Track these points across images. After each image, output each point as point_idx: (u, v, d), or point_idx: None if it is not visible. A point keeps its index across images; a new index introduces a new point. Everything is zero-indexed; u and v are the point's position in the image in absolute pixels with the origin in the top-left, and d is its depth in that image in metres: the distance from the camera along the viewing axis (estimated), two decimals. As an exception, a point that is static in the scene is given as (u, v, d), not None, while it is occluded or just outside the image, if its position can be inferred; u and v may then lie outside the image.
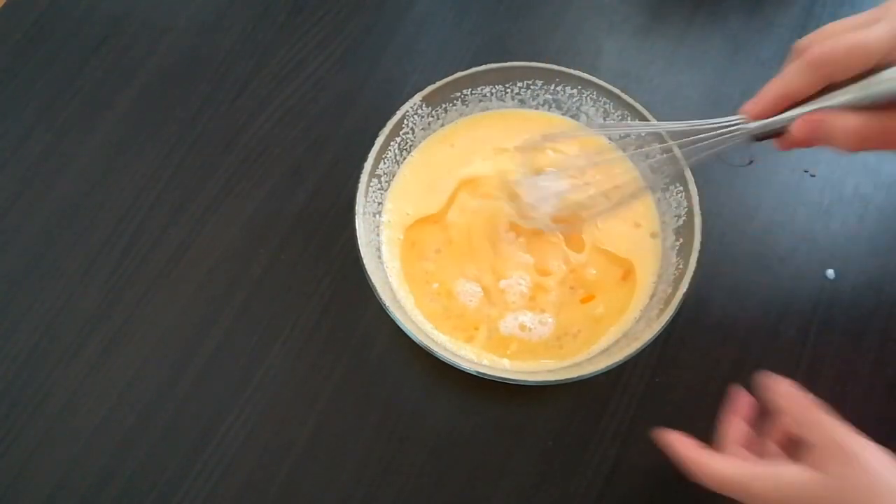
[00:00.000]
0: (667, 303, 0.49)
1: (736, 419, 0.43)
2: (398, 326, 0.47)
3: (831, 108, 0.36)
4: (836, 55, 0.35)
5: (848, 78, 0.35)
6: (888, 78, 0.34)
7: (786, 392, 0.40)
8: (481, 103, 0.58)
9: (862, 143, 0.35)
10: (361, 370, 0.53)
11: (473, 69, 0.56)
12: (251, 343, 0.53)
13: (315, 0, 0.67)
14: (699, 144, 0.42)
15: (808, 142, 0.36)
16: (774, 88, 0.37)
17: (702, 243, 0.49)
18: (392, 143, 0.55)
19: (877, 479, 0.34)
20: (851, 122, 0.35)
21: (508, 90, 0.58)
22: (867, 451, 0.36)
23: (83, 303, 0.55)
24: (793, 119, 0.37)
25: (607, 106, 0.56)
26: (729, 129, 0.40)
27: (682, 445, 0.41)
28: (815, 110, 0.36)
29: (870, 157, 0.60)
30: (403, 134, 0.55)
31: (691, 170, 0.52)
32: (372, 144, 0.53)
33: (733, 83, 0.63)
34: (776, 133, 0.38)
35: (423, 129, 0.57)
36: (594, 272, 0.53)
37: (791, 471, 0.36)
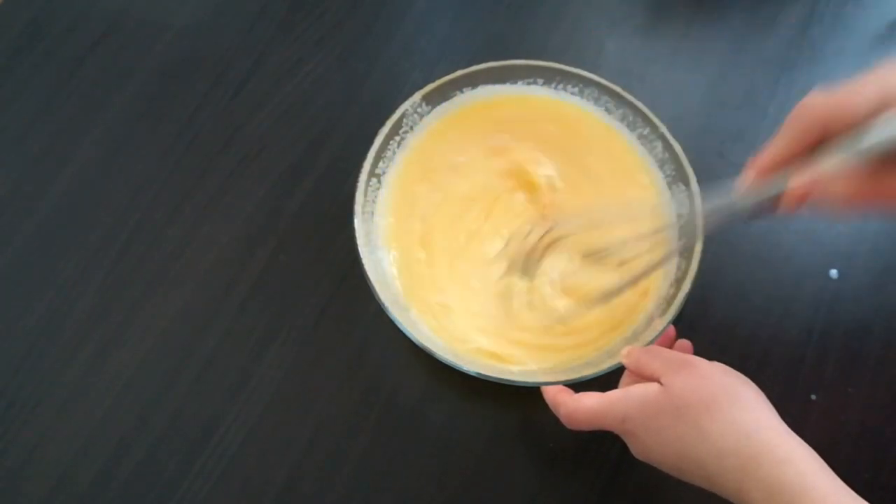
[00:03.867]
0: (669, 303, 0.49)
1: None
2: (398, 327, 0.47)
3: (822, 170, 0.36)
4: (829, 105, 0.36)
5: (840, 134, 0.35)
6: (876, 131, 0.33)
7: (628, 352, 0.44)
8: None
9: (852, 202, 0.36)
10: (361, 370, 0.52)
11: (474, 67, 0.56)
12: (249, 344, 0.53)
13: (314, -3, 0.67)
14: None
15: (802, 204, 0.37)
16: (774, 145, 0.38)
17: (704, 243, 0.49)
18: (391, 142, 0.54)
19: (710, 379, 0.40)
20: (840, 184, 0.35)
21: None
22: (701, 361, 0.41)
23: (80, 303, 0.54)
24: (781, 189, 0.38)
25: (608, 105, 0.56)
26: (725, 209, 0.41)
27: (551, 390, 0.45)
28: (805, 178, 0.37)
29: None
30: (403, 133, 0.55)
31: (694, 171, 0.51)
32: (371, 143, 0.53)
33: (736, 82, 0.63)
34: (768, 208, 0.39)
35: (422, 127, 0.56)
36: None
37: (641, 389, 0.41)
